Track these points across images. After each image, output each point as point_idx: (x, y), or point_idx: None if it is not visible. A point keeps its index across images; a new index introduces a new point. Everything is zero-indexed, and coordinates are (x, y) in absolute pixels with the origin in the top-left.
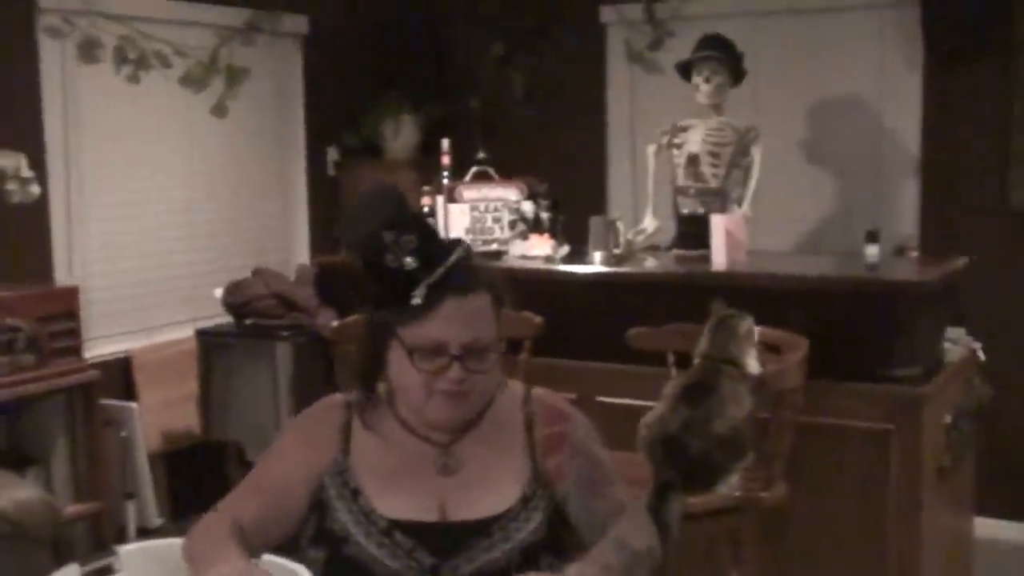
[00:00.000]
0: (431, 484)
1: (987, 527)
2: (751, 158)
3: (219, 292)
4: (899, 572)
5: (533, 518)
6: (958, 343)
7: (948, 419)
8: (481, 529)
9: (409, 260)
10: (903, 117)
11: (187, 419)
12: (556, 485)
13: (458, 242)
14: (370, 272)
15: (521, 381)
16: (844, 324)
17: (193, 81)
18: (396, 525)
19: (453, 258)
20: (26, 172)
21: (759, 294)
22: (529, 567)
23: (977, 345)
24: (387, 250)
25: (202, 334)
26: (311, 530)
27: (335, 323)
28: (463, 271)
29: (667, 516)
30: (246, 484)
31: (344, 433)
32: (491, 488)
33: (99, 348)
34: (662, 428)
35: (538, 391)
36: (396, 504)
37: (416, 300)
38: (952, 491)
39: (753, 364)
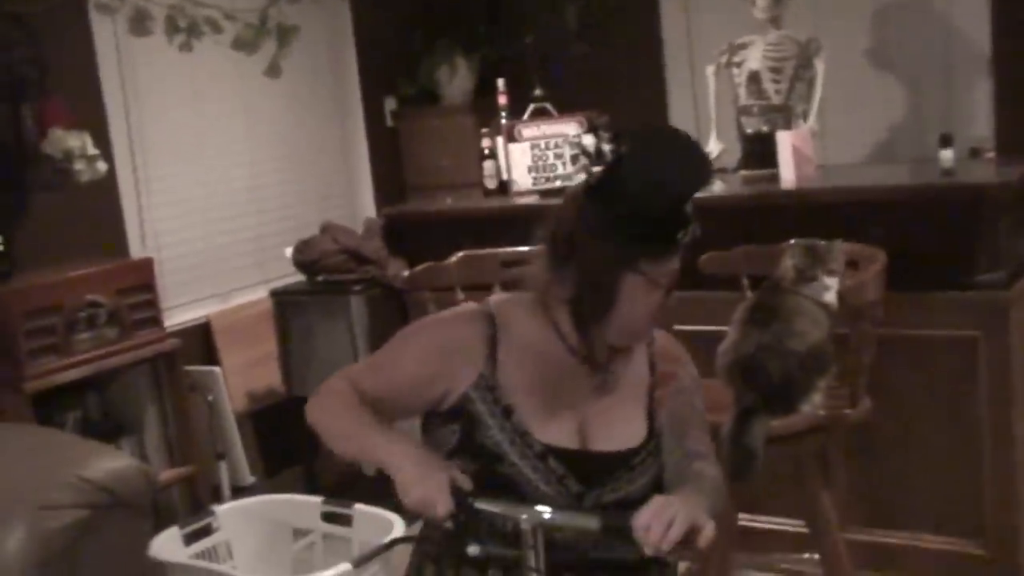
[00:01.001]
0: (576, 408)
1: None
2: (814, 71)
3: (289, 251)
4: (994, 478)
5: (660, 453)
6: None
7: None
8: (623, 462)
9: (690, 207)
10: (971, 14)
11: (270, 378)
12: (657, 413)
13: None
14: (646, 216)
15: None
16: (922, 233)
17: (244, 44)
18: (550, 451)
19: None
20: (91, 150)
21: (831, 209)
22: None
23: None
24: (689, 199)
25: (276, 294)
26: (456, 440)
27: (406, 272)
28: None
29: (750, 441)
30: (373, 368)
31: (491, 347)
32: (626, 419)
33: (178, 316)
34: (737, 353)
35: (660, 332)
36: (545, 427)
37: (687, 239)
38: None
39: (823, 291)
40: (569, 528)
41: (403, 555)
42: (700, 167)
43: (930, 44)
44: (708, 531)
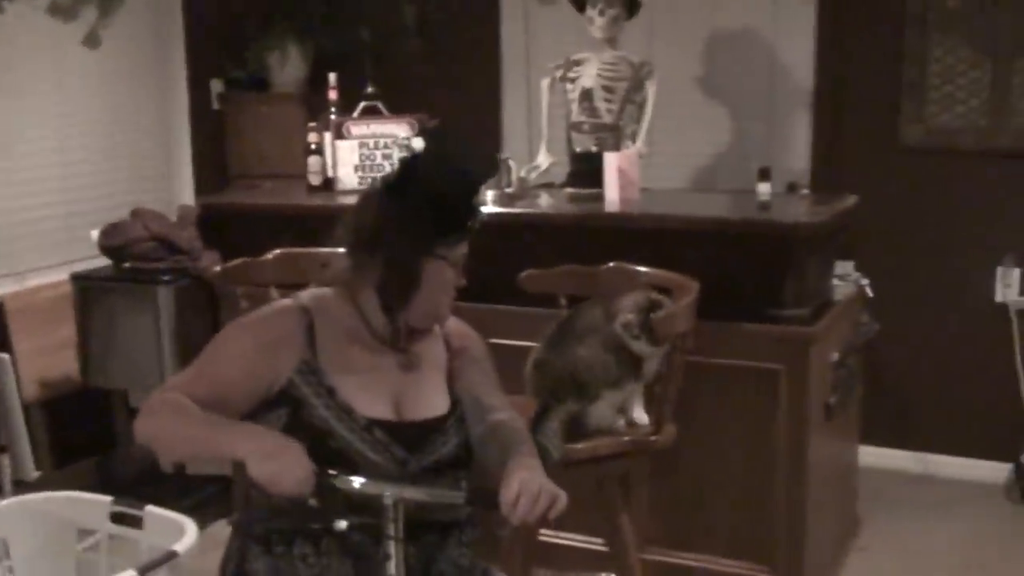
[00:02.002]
0: (388, 385)
1: (871, 455)
2: (645, 93)
3: (95, 234)
4: (786, 506)
5: (463, 417)
6: (847, 279)
7: (836, 356)
8: (437, 427)
9: (483, 199)
10: (796, 50)
11: (66, 366)
12: (454, 384)
13: None
14: (442, 205)
15: None
16: (735, 265)
17: (62, 10)
18: (374, 423)
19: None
20: None
21: (651, 235)
22: (469, 456)
23: (865, 281)
24: (479, 192)
25: (78, 278)
26: (282, 422)
27: (219, 267)
28: None
29: (542, 438)
30: (196, 374)
31: (309, 336)
32: (432, 391)
33: None
34: (535, 360)
35: (450, 317)
36: (366, 403)
37: (477, 224)
38: (838, 425)
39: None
40: (434, 503)
41: (195, 562)
42: (485, 162)
43: (757, 76)
44: (562, 502)
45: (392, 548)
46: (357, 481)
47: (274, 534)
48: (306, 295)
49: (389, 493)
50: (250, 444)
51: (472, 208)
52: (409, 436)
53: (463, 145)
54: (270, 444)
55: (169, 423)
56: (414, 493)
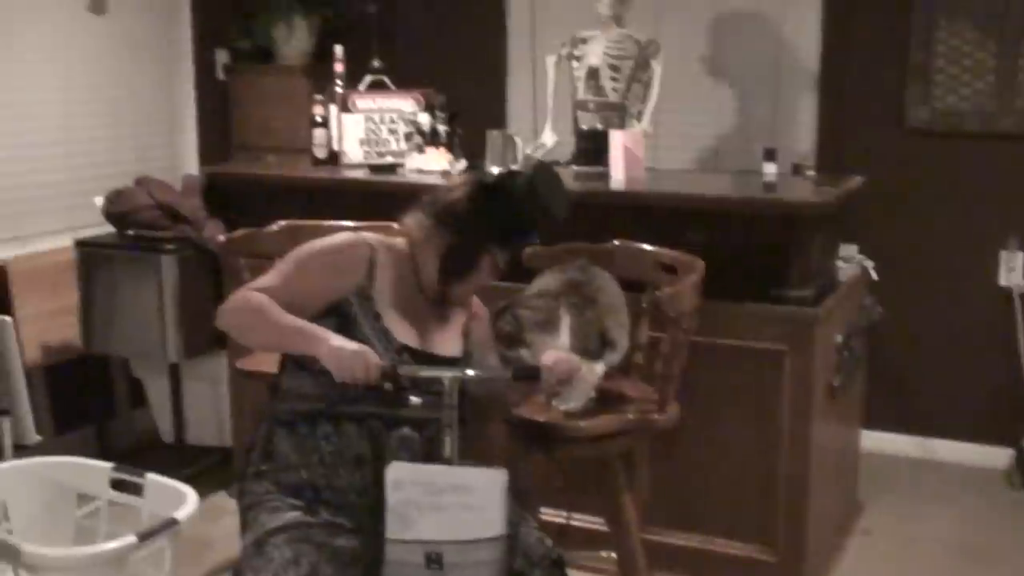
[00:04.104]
0: (420, 326)
1: (873, 439)
2: (651, 72)
3: (100, 201)
4: (788, 488)
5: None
6: (851, 261)
7: (839, 338)
8: (452, 363)
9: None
10: (803, 31)
11: (68, 332)
12: (467, 339)
13: None
14: (518, 224)
15: None
16: (740, 244)
17: None
18: (405, 348)
19: None
20: None
21: (655, 213)
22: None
23: (869, 264)
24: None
25: (82, 244)
26: (332, 329)
27: (222, 236)
28: None
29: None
30: (278, 283)
31: (370, 267)
32: (451, 339)
33: None
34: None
35: None
36: (400, 333)
37: (536, 242)
38: (841, 407)
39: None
40: (484, 381)
41: (194, 531)
42: (566, 202)
43: (762, 57)
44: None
45: (450, 418)
46: (421, 368)
47: (299, 417)
48: (372, 237)
49: (448, 375)
50: (328, 342)
51: (535, 235)
52: (430, 364)
53: (553, 184)
54: (343, 341)
55: (254, 317)
56: (469, 374)
